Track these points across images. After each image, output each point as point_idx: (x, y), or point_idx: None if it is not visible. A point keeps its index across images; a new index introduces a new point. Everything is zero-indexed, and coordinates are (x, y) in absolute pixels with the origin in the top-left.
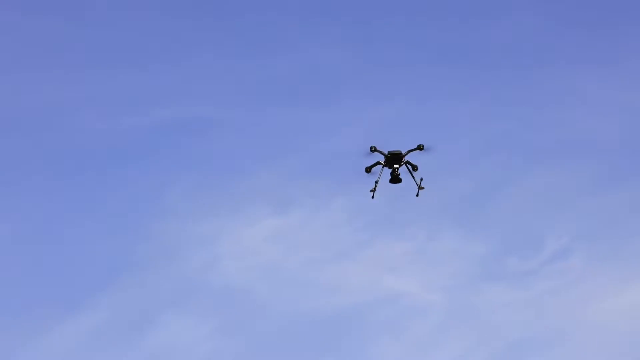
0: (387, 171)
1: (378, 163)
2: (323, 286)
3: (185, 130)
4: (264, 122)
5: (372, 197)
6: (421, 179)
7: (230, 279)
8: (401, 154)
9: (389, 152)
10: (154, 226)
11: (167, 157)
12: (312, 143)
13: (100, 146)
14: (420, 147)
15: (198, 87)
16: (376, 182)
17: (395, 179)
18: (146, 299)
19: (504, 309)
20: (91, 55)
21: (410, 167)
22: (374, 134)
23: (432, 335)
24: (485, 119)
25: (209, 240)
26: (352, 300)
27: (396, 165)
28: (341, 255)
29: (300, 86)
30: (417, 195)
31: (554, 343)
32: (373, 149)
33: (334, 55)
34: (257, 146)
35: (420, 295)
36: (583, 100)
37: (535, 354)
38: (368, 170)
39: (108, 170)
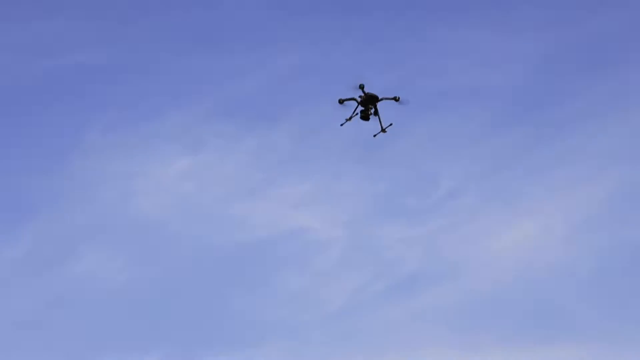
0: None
1: (353, 99)
2: (232, 221)
3: (102, 73)
4: (178, 66)
5: (342, 124)
6: (390, 124)
7: (144, 214)
8: (377, 98)
9: (368, 93)
10: (72, 163)
11: (85, 99)
12: (223, 86)
13: (20, 87)
14: (396, 99)
15: (117, 33)
16: (352, 116)
17: (366, 117)
18: (65, 232)
19: (401, 244)
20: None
21: (376, 110)
22: (278, 80)
23: (334, 268)
24: (386, 67)
25: (124, 177)
26: (259, 235)
27: (371, 106)
28: (249, 193)
29: (214, 33)
30: (374, 135)
31: (447, 276)
32: (362, 87)
33: (249, 3)
34: (170, 89)
35: (323, 231)
36: (474, 49)
37: (430, 286)
38: (341, 101)
39: (28, 110)
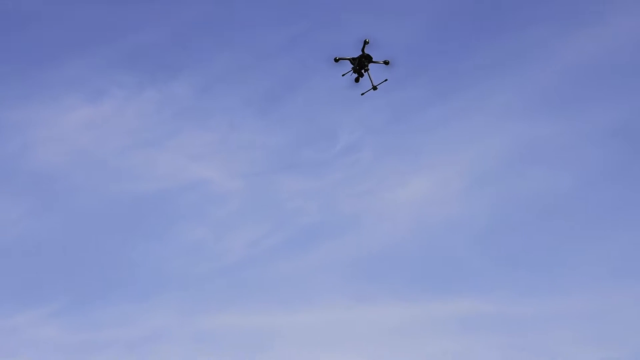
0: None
1: (348, 59)
2: (132, 172)
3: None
4: (77, 15)
5: (344, 75)
6: (385, 80)
7: (43, 164)
8: (372, 59)
9: (367, 53)
10: None
11: None
12: (125, 36)
13: None
14: (386, 62)
15: None
16: (350, 72)
17: (360, 75)
18: None
19: (299, 197)
20: None
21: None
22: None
23: (232, 219)
24: (284, 21)
25: (24, 127)
26: (159, 186)
27: (366, 64)
28: (149, 144)
29: None
30: (362, 94)
31: (345, 228)
32: (367, 42)
33: None
34: (71, 37)
35: (222, 183)
36: (371, 2)
37: (328, 238)
38: (337, 60)
39: None
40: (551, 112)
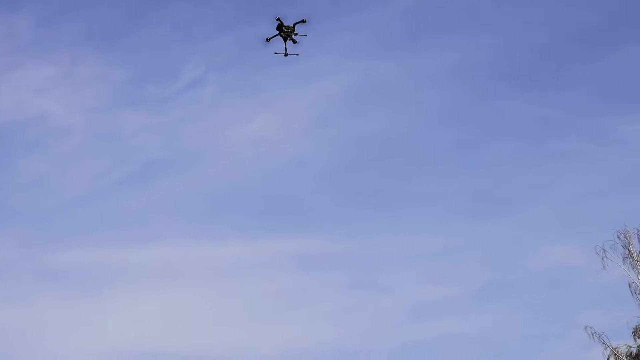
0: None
1: (276, 35)
2: None
3: None
4: None
5: (285, 55)
6: (297, 54)
7: None
8: (293, 27)
9: (286, 26)
10: None
11: None
12: None
13: None
14: (303, 21)
15: None
16: (285, 52)
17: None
18: None
19: (141, 133)
20: None
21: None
22: None
23: (75, 154)
24: None
25: None
26: (0, 120)
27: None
28: None
29: None
30: (284, 54)
31: (187, 165)
32: (279, 19)
33: None
34: None
35: (64, 117)
36: None
37: (170, 174)
38: (268, 39)
39: None
40: (392, 53)
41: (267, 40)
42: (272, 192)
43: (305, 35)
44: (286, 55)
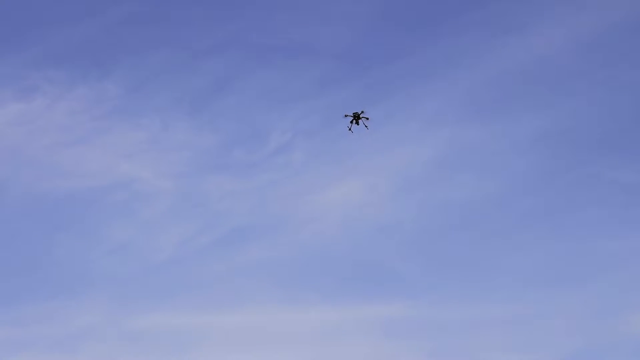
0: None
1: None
2: (61, 170)
3: None
4: (8, 10)
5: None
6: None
7: None
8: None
9: (355, 113)
10: None
11: None
12: (54, 32)
13: None
14: (366, 118)
15: None
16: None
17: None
18: None
19: (229, 197)
20: None
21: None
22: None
23: (162, 219)
24: (216, 22)
25: None
26: (89, 184)
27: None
28: (79, 141)
29: None
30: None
31: (273, 230)
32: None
33: None
34: (1, 32)
35: (151, 182)
36: (306, 6)
37: (257, 240)
38: (348, 116)
39: None
40: (479, 118)
41: (347, 116)
42: (358, 258)
43: (368, 119)
44: (350, 130)
